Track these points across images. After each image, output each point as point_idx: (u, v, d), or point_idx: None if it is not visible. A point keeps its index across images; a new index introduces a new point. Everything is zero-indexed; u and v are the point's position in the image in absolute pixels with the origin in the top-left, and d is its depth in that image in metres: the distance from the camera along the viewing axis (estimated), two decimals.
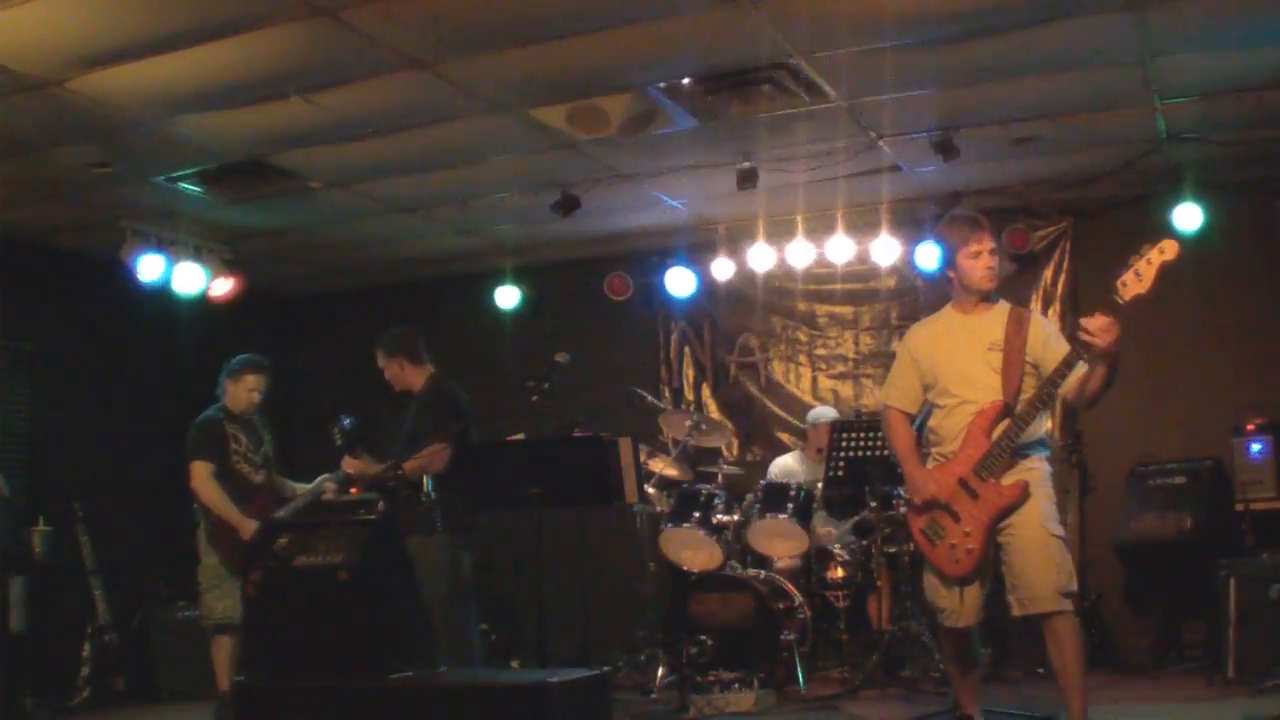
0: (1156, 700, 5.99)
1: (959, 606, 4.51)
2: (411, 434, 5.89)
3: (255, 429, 6.49)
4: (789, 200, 7.71)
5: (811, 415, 7.87)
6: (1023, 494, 4.36)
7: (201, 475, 6.16)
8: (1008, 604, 4.46)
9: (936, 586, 4.58)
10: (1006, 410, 4.40)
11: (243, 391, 6.41)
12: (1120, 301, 4.12)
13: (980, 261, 4.57)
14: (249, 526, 6.10)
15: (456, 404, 6.00)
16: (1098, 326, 4.11)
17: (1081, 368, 4.30)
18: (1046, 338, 4.46)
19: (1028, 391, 4.41)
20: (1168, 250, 4.11)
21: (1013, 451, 4.40)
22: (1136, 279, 4.10)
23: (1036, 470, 4.46)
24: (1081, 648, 4.36)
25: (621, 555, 7.62)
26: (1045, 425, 4.58)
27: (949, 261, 4.66)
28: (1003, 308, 4.63)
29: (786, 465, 7.69)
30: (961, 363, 4.56)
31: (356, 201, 7.64)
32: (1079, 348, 4.21)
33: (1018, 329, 4.48)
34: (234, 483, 6.23)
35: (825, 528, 7.25)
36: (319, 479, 6.47)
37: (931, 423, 4.67)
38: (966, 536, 4.42)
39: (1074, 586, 4.36)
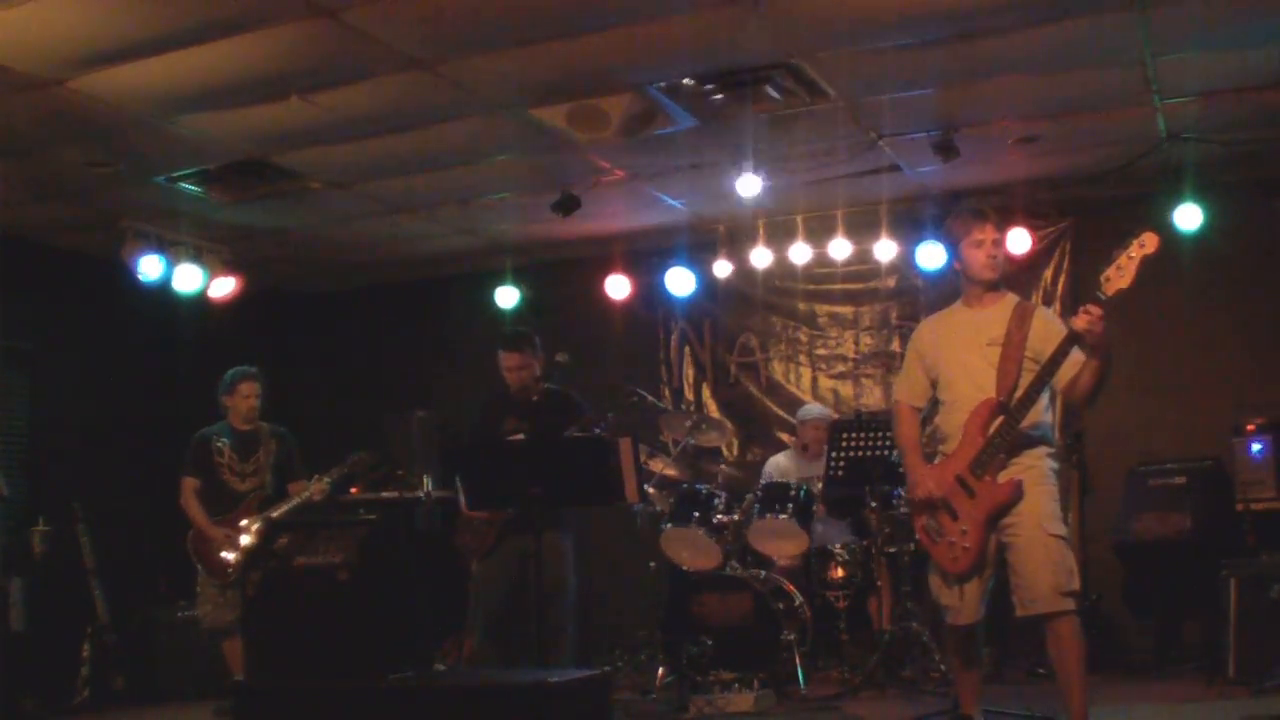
0: (1156, 700, 5.99)
1: (960, 604, 4.51)
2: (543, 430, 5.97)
3: (256, 438, 6.66)
4: (789, 200, 7.72)
5: (801, 412, 7.88)
6: (1015, 492, 4.35)
7: (182, 490, 6.53)
8: (1009, 603, 4.46)
9: (939, 584, 4.59)
10: (1000, 408, 4.40)
11: (240, 401, 6.66)
12: (1103, 297, 4.11)
13: (982, 251, 4.56)
14: (216, 533, 6.40)
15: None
16: (1090, 317, 4.11)
17: (1077, 359, 4.28)
18: (1048, 333, 4.42)
19: (1024, 388, 4.37)
20: (1148, 244, 4.10)
21: (1008, 448, 4.39)
22: (1118, 273, 4.09)
23: (1036, 468, 4.44)
24: (1083, 648, 4.34)
25: (621, 555, 7.63)
26: (1049, 419, 4.54)
27: (954, 254, 4.67)
28: (1009, 302, 4.61)
29: (779, 463, 7.68)
30: (961, 359, 4.57)
31: (356, 201, 7.65)
32: (1072, 332, 4.22)
33: (1020, 324, 4.47)
34: (218, 492, 6.54)
35: (824, 526, 7.25)
36: (313, 479, 6.58)
37: (936, 419, 4.68)
38: (963, 535, 4.42)
39: (1075, 586, 4.34)
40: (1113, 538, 7.17)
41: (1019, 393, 4.37)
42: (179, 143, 6.46)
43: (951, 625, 4.61)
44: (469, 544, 6.06)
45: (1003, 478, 4.39)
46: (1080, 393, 4.37)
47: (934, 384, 4.69)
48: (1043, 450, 4.49)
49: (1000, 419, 4.39)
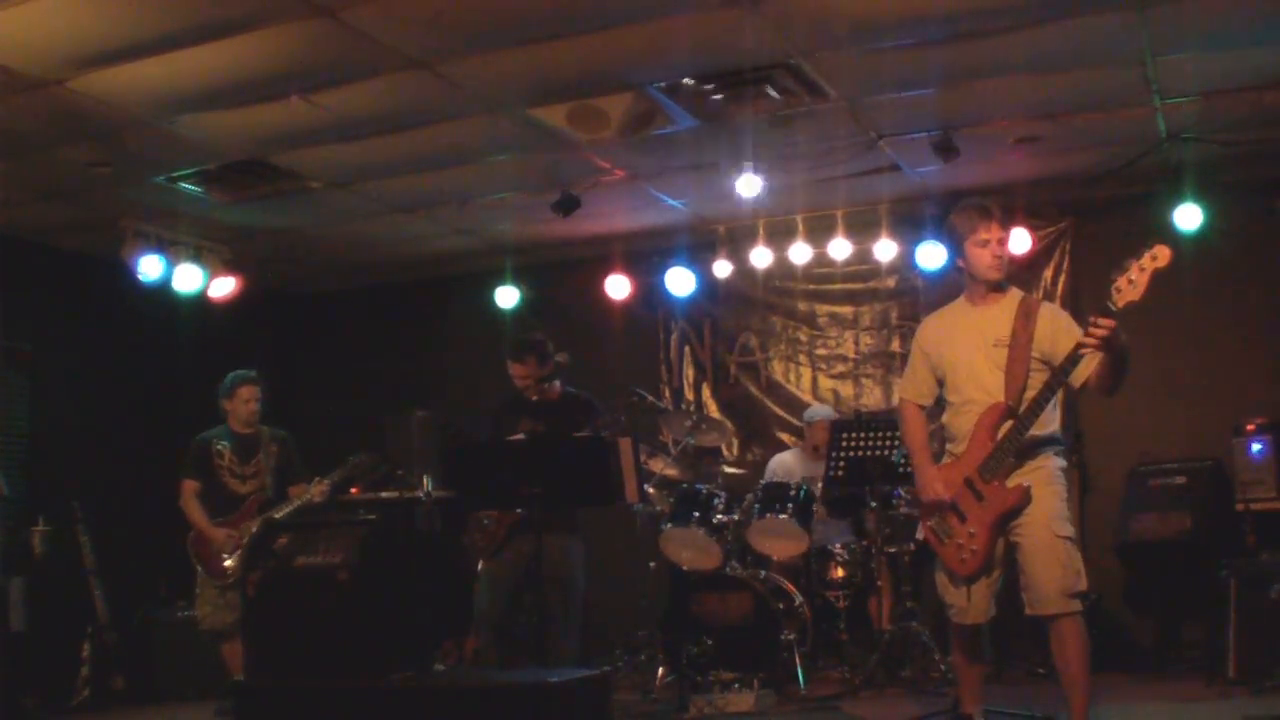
0: (1156, 700, 5.99)
1: (967, 604, 4.50)
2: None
3: (256, 441, 6.67)
4: (789, 200, 7.71)
5: (808, 414, 7.88)
6: (1024, 497, 4.34)
7: (182, 492, 6.54)
8: (1009, 603, 4.45)
9: (946, 583, 4.58)
10: (1009, 412, 4.39)
11: (240, 406, 6.66)
12: (1114, 309, 4.10)
13: (987, 251, 4.51)
14: (217, 535, 6.42)
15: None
16: (1100, 331, 4.10)
17: (1092, 357, 4.24)
18: (1055, 331, 4.40)
19: (1034, 389, 4.36)
20: (1160, 257, 4.08)
21: (1018, 452, 4.38)
22: (1130, 286, 4.07)
23: (1044, 469, 4.42)
24: (1086, 649, 4.32)
25: (621, 555, 7.63)
26: (1057, 419, 4.52)
27: (958, 251, 4.60)
28: (1013, 298, 4.57)
29: (785, 462, 7.69)
30: (967, 360, 4.54)
31: (356, 201, 7.65)
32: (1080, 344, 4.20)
33: (1026, 323, 4.44)
34: (219, 494, 6.55)
35: (824, 526, 7.26)
36: (313, 482, 6.60)
37: (944, 419, 4.66)
38: (971, 537, 4.40)
39: (1082, 587, 4.33)
40: (1113, 538, 7.17)
41: (1029, 393, 4.36)
42: (179, 143, 6.45)
43: (958, 624, 4.60)
44: (478, 543, 6.06)
45: (1011, 482, 4.37)
46: (1101, 387, 4.33)
47: (940, 382, 4.67)
48: (1051, 451, 4.47)
49: (1009, 423, 4.37)
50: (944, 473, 4.53)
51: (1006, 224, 4.61)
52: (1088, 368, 4.29)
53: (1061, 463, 4.50)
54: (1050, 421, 4.46)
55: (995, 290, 4.59)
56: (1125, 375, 4.30)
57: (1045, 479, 4.41)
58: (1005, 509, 4.37)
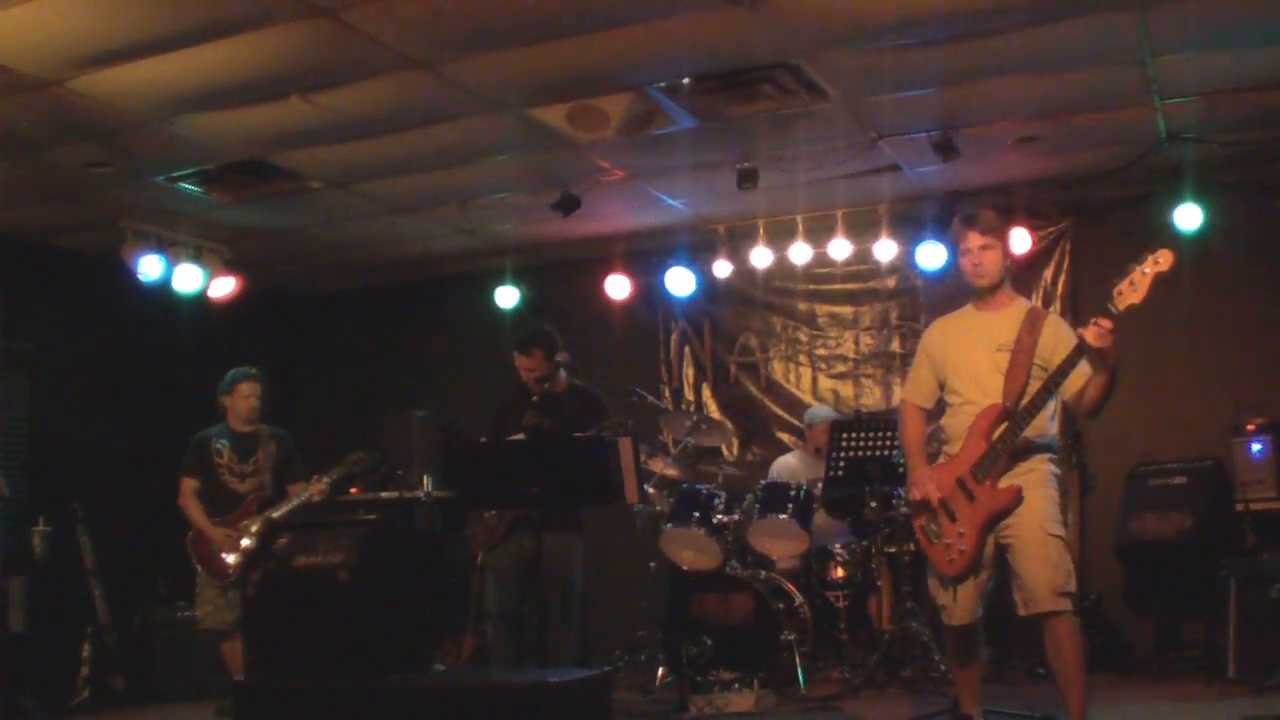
0: (1156, 700, 5.99)
1: (954, 604, 4.53)
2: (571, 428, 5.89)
3: (255, 440, 6.66)
4: (789, 200, 7.71)
5: (808, 415, 7.89)
6: (1015, 498, 4.36)
7: (182, 490, 6.54)
8: (1009, 604, 4.46)
9: (937, 586, 4.61)
10: (1006, 413, 4.41)
11: (240, 402, 6.65)
12: (1115, 311, 4.13)
13: (968, 260, 4.57)
14: (216, 534, 6.41)
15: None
16: (1100, 329, 4.12)
17: (1084, 371, 4.29)
18: (1058, 340, 4.44)
19: (1031, 395, 4.39)
20: (1163, 261, 4.13)
21: (1011, 454, 4.40)
22: (1131, 289, 4.12)
23: (1037, 471, 4.45)
24: (1081, 648, 4.36)
25: (621, 555, 7.63)
26: (1054, 427, 4.55)
27: (954, 260, 4.70)
28: (1021, 307, 4.61)
29: (788, 464, 7.70)
30: (969, 362, 4.58)
31: (356, 201, 7.64)
32: (1081, 343, 4.22)
33: (1031, 331, 4.47)
34: (217, 493, 6.54)
35: (825, 525, 7.26)
36: (311, 480, 6.59)
37: (942, 420, 4.70)
38: (960, 537, 4.43)
39: (1072, 587, 4.36)
40: (1113, 538, 7.17)
41: (1025, 399, 4.38)
42: (179, 143, 6.45)
43: (947, 625, 4.63)
44: (477, 536, 6.05)
45: (1003, 483, 4.40)
46: (1086, 405, 4.39)
47: (941, 385, 4.70)
48: (1045, 456, 4.50)
49: (1005, 425, 4.40)
50: (937, 472, 4.55)
51: (994, 229, 4.58)
52: (1078, 380, 4.34)
53: (1055, 469, 4.54)
54: (1046, 428, 4.49)
55: (998, 297, 4.61)
56: (1112, 393, 4.34)
57: (1038, 481, 4.44)
58: (996, 509, 4.39)
